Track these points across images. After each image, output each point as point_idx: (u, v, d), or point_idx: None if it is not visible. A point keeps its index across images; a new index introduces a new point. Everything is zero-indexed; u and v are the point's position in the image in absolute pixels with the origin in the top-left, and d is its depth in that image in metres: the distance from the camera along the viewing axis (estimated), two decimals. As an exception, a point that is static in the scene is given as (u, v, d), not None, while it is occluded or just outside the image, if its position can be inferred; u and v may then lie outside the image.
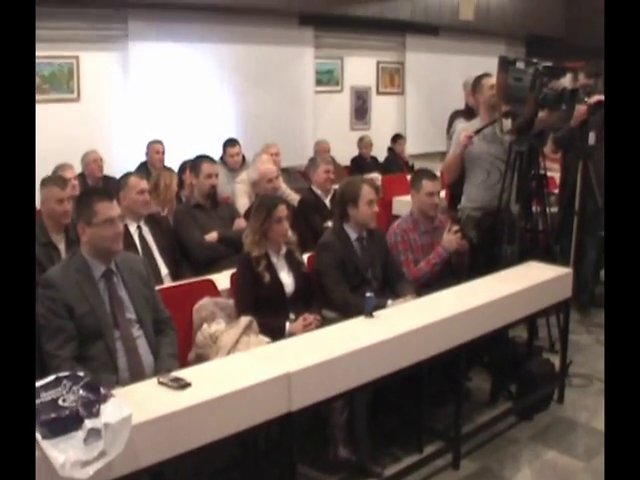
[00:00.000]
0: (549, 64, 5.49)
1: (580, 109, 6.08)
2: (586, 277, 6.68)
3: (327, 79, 11.15)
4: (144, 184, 5.16)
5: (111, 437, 2.48)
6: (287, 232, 4.53)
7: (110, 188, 5.42)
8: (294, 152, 9.36)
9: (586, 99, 6.11)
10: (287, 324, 4.26)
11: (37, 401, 2.45)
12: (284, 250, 4.56)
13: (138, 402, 2.81)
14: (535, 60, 5.54)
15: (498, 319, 4.44)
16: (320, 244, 4.76)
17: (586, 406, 5.08)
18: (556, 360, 5.16)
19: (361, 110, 11.65)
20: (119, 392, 2.83)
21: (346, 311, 4.29)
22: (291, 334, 4.10)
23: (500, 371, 5.08)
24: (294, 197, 6.82)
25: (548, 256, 5.48)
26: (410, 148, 11.25)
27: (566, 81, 6.06)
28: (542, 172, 5.81)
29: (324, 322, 4.24)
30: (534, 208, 5.90)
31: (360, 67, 11.55)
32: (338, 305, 4.50)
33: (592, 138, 6.34)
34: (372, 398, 4.07)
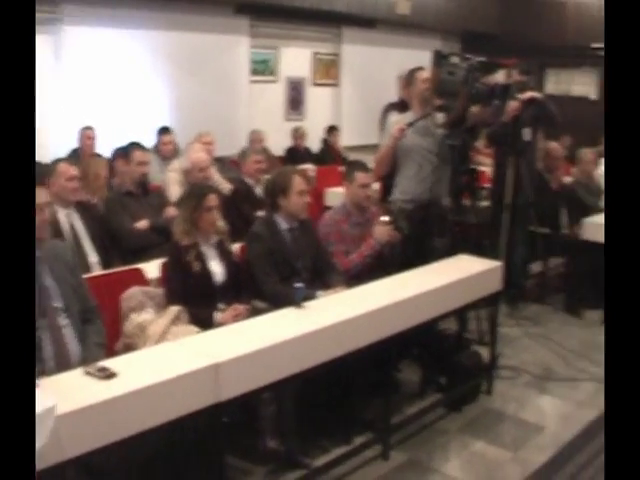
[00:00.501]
0: (483, 59, 5.54)
1: (512, 105, 6.16)
2: (516, 271, 6.77)
3: (262, 69, 11.09)
4: (73, 170, 5.07)
5: (35, 428, 2.43)
6: (217, 221, 4.51)
7: (40, 174, 5.31)
8: (229, 141, 9.29)
9: (519, 95, 6.20)
10: (217, 314, 4.23)
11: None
12: (214, 240, 4.53)
13: (63, 392, 2.76)
14: (469, 55, 5.59)
15: (428, 311, 4.48)
16: (250, 234, 4.73)
17: (514, 397, 5.17)
18: (485, 352, 5.22)
19: (296, 101, 11.63)
20: (44, 382, 2.78)
21: (276, 301, 4.27)
22: (221, 324, 4.07)
23: (430, 363, 5.12)
24: (226, 186, 6.80)
25: (479, 249, 5.54)
26: (345, 140, 11.28)
27: (499, 77, 6.13)
28: (474, 166, 5.87)
29: (254, 312, 4.21)
30: (465, 202, 5.96)
31: (296, 58, 11.52)
32: (268, 295, 4.48)
33: (525, 134, 6.44)
34: (301, 389, 4.07)
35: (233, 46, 10.45)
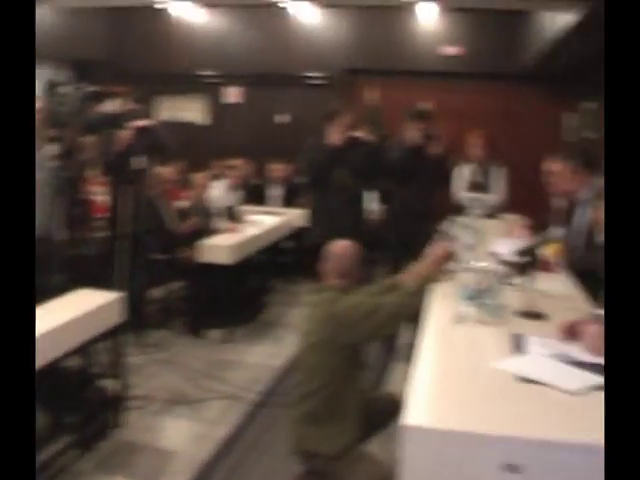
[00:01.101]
0: (95, 89, 5.52)
1: (124, 134, 6.20)
2: (137, 299, 6.78)
3: None
4: None
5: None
6: None
7: None
8: None
9: (131, 124, 6.25)
10: None
11: None
12: None
13: None
14: (80, 85, 5.53)
15: (50, 351, 4.30)
16: None
17: (146, 426, 5.18)
18: (114, 385, 5.17)
19: None
20: None
21: None
22: None
23: (57, 404, 4.95)
24: None
25: (99, 282, 5.47)
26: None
27: (112, 105, 6.13)
28: (88, 196, 5.81)
29: None
30: (81, 234, 5.86)
31: None
32: None
33: (137, 162, 6.49)
34: None
35: None
